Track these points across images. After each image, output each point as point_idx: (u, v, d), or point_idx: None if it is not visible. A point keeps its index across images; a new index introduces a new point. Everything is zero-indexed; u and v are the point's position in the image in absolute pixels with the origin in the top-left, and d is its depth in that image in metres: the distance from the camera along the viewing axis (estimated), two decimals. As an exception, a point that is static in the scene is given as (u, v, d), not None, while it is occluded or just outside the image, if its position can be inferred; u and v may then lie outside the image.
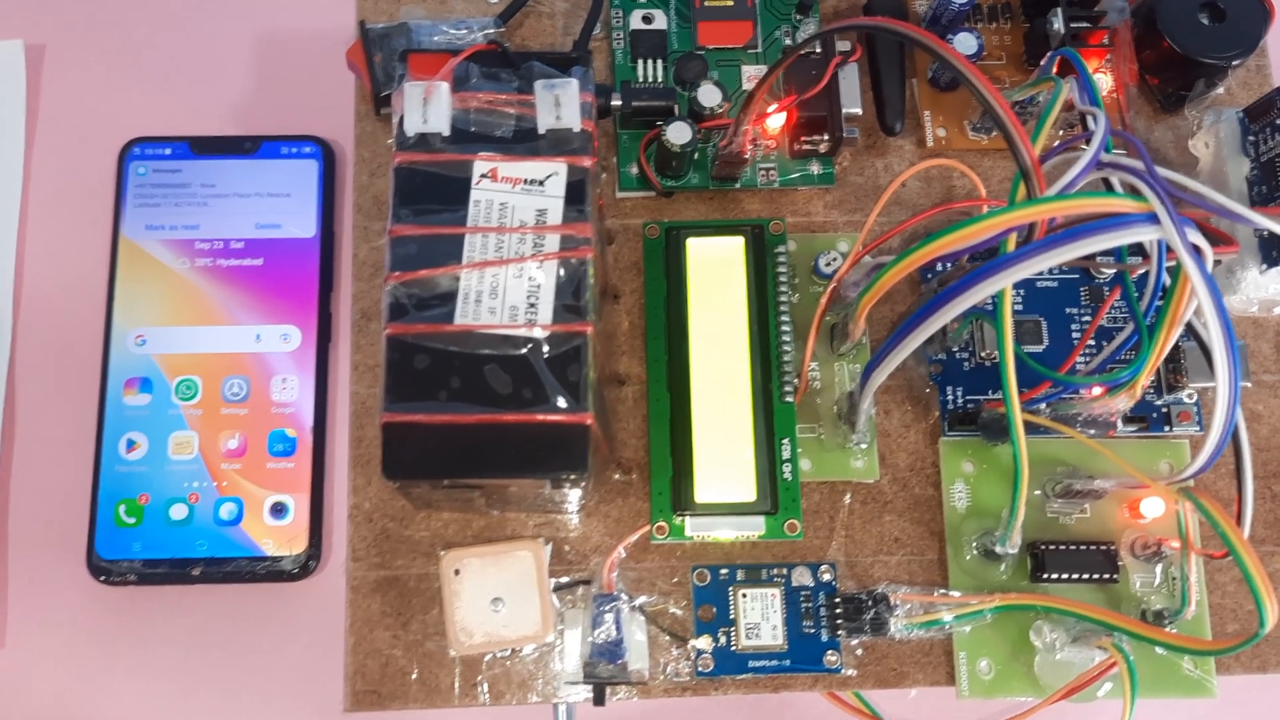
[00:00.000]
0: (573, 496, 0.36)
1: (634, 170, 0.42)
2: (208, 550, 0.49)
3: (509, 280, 0.34)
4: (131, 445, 0.50)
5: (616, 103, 0.40)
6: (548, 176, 0.35)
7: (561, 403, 0.33)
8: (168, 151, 0.54)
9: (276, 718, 0.49)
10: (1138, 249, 0.39)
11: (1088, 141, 0.36)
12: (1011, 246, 0.31)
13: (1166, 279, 0.34)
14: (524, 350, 0.33)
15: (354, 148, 0.42)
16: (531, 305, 0.34)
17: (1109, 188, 0.34)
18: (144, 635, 0.49)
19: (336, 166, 0.54)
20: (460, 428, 0.33)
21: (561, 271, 0.34)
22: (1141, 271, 0.36)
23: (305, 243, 0.53)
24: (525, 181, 0.35)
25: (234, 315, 0.52)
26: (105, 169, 0.53)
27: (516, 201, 0.34)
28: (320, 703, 0.49)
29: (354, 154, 0.42)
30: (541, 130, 0.35)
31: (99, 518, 0.50)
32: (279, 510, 0.50)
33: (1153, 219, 0.29)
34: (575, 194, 0.35)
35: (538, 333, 0.34)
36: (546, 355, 0.33)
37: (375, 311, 0.41)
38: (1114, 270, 0.41)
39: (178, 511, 0.50)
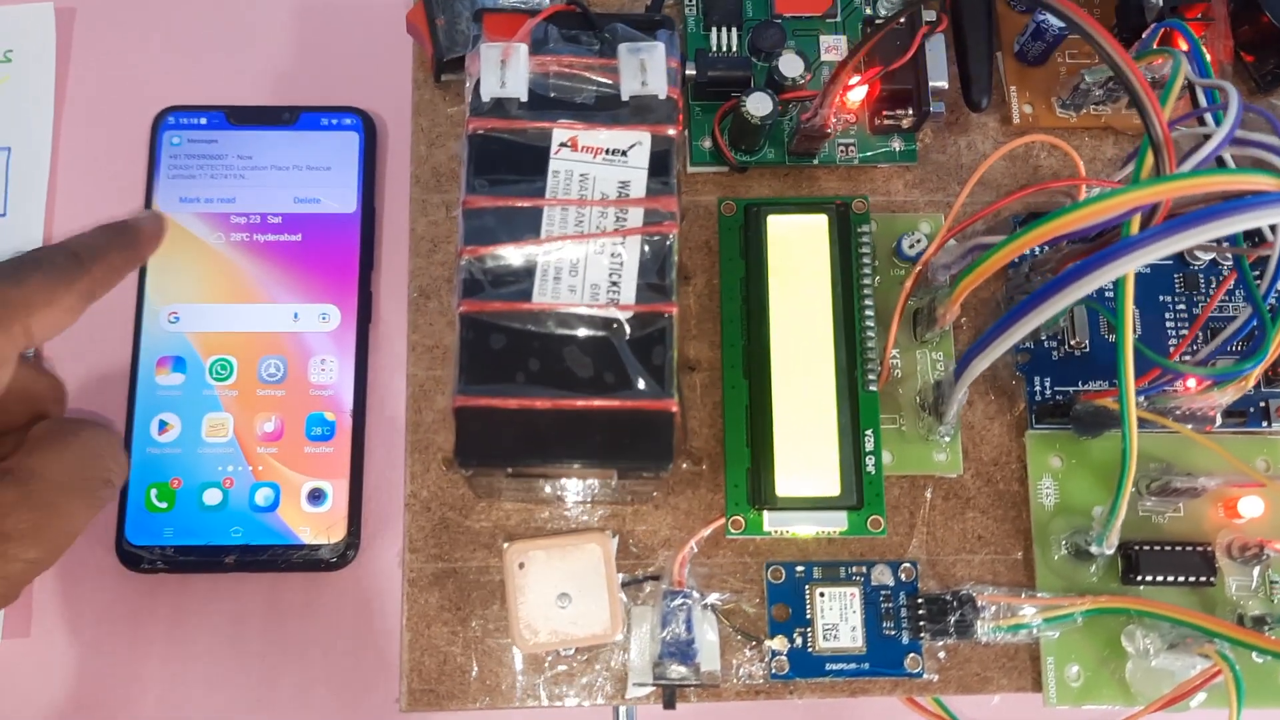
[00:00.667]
0: (648, 487, 0.35)
1: (706, 144, 0.40)
2: (242, 537, 0.47)
3: (590, 256, 0.32)
4: (164, 427, 0.48)
5: (691, 72, 0.38)
6: (631, 146, 0.33)
7: (646, 388, 0.31)
8: (203, 121, 0.52)
9: (313, 713, 0.47)
10: (1251, 233, 0.37)
11: (1201, 119, 0.34)
12: (1135, 228, 0.29)
13: (1289, 266, 0.32)
14: (606, 331, 0.31)
15: (412, 117, 0.40)
16: (614, 284, 0.32)
17: (1222, 165, 0.33)
18: (175, 625, 0.47)
19: (378, 139, 0.52)
20: (538, 413, 0.31)
21: (645, 248, 0.32)
22: (1258, 256, 0.34)
23: (345, 218, 0.51)
24: (607, 151, 0.32)
25: (271, 293, 0.50)
26: (138, 139, 0.51)
27: (598, 173, 0.32)
28: (360, 697, 0.47)
29: (412, 123, 0.39)
30: (625, 97, 0.33)
31: (129, 502, 0.47)
32: (317, 497, 0.48)
33: (1295, 198, 0.27)
34: (660, 165, 0.32)
35: (621, 313, 0.31)
36: (629, 337, 0.31)
37: (434, 289, 0.38)
38: (1211, 256, 0.39)
39: (211, 496, 0.48)
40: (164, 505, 0.47)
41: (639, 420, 0.31)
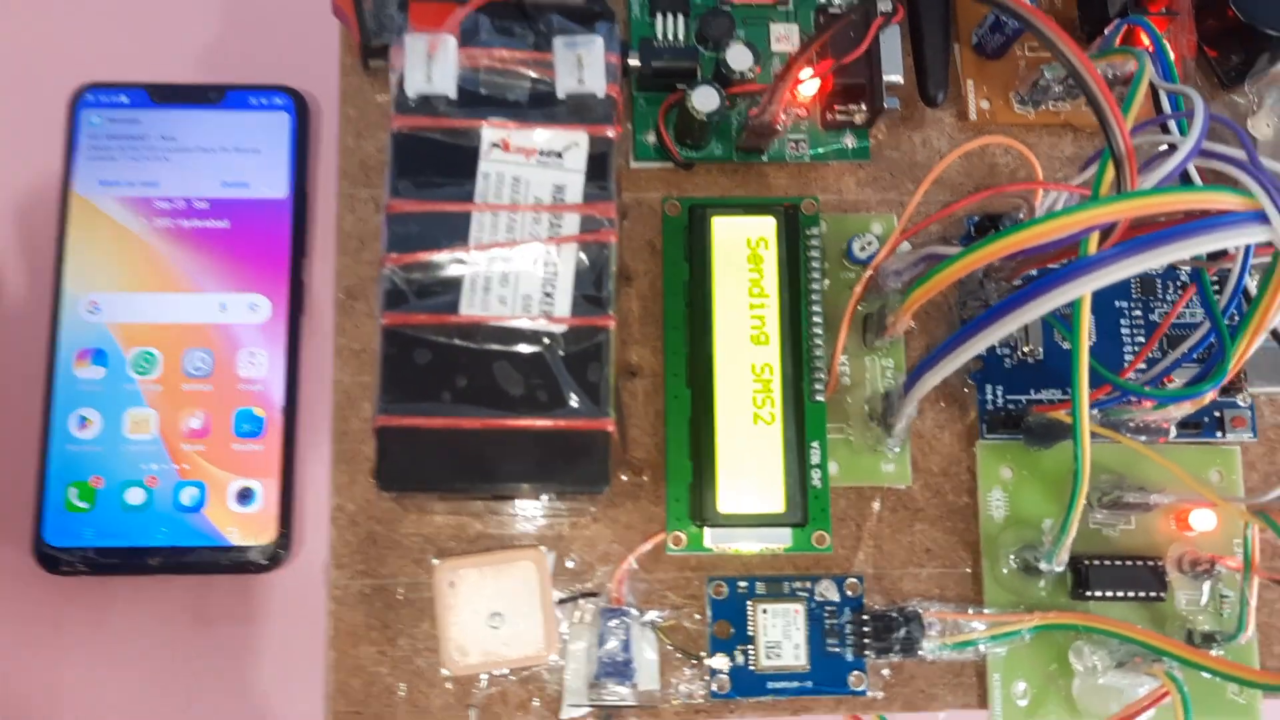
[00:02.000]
0: (584, 504, 0.33)
1: (651, 139, 0.38)
2: (167, 538, 0.45)
3: (522, 266, 0.30)
4: (84, 422, 0.46)
5: (635, 63, 0.36)
6: (567, 148, 0.31)
7: (580, 406, 0.29)
8: (124, 99, 0.49)
9: (241, 717, 0.45)
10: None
11: (1164, 127, 0.32)
12: (1093, 246, 0.28)
13: (1249, 281, 0.31)
14: (539, 346, 0.30)
15: (339, 105, 0.37)
16: (547, 295, 0.30)
17: (1186, 180, 0.31)
18: (97, 630, 0.45)
19: (311, 121, 0.50)
20: (466, 433, 0.29)
21: (582, 256, 0.30)
22: (1219, 270, 0.33)
23: (276, 204, 0.48)
24: (541, 153, 0.31)
25: (197, 282, 0.47)
26: (54, 117, 0.48)
27: (531, 176, 0.30)
28: (290, 703, 0.45)
29: (340, 112, 0.37)
30: (561, 95, 0.31)
31: (47, 501, 0.45)
32: (245, 496, 0.46)
33: (1261, 218, 0.26)
34: (597, 168, 0.31)
35: (555, 326, 0.30)
36: (564, 352, 0.30)
37: (361, 290, 0.36)
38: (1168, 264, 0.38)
39: (134, 496, 0.46)
40: (84, 505, 0.45)
41: (573, 440, 0.29)
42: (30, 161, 0.48)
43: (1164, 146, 0.31)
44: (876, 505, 0.37)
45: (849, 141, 0.39)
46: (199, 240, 0.48)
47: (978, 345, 0.29)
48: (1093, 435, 0.33)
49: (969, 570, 0.37)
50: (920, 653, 0.35)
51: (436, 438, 0.29)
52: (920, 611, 0.35)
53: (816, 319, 0.36)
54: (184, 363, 0.47)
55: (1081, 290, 0.27)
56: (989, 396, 0.38)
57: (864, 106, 0.38)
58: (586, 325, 0.30)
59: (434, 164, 0.30)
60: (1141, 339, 0.38)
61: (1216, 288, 0.32)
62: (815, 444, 0.35)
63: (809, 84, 0.37)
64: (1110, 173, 0.28)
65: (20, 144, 0.48)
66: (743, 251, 0.35)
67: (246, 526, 0.46)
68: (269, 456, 0.46)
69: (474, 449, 0.29)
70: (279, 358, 0.47)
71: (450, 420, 0.29)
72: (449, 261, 0.30)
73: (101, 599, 0.46)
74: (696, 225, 0.35)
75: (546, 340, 0.30)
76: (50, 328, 0.46)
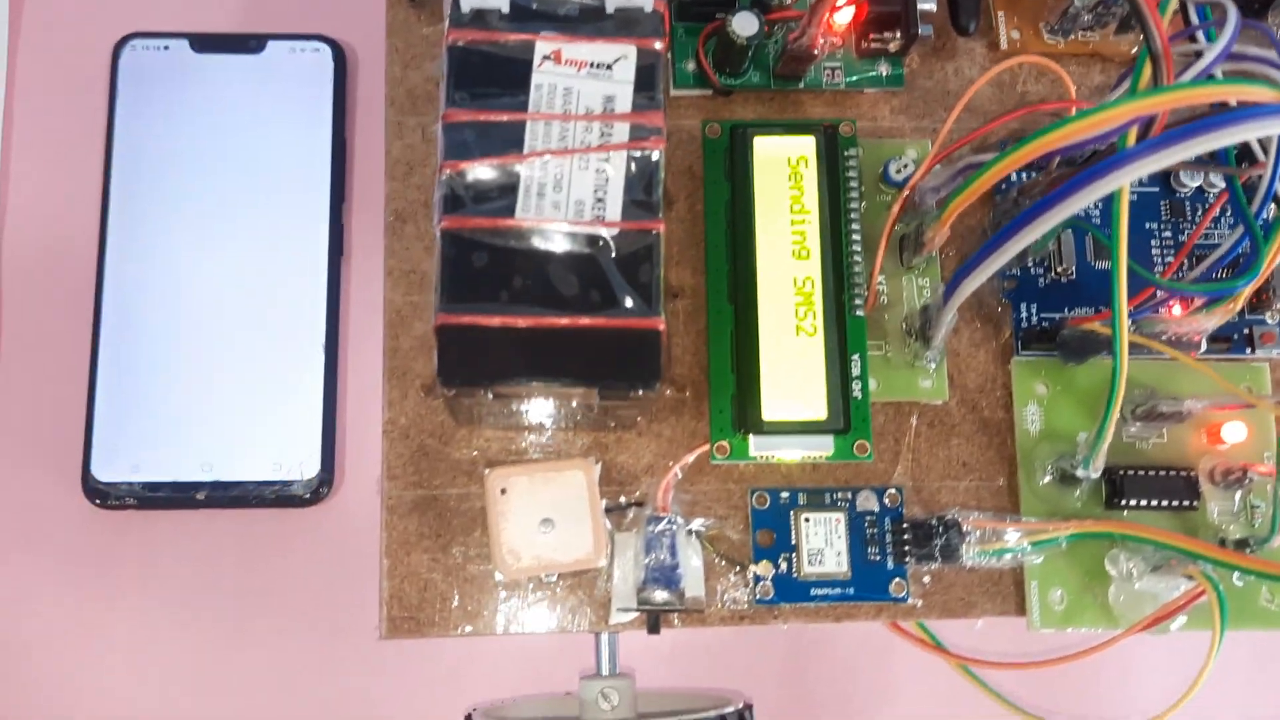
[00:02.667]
0: (632, 411, 0.34)
1: (690, 66, 0.39)
2: (214, 473, 0.47)
3: (574, 173, 0.31)
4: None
5: (676, -11, 0.37)
6: (616, 60, 0.32)
7: (633, 306, 0.30)
8: (166, 48, 0.50)
9: (289, 650, 0.46)
10: (1242, 155, 0.36)
11: (1193, 37, 0.33)
12: (1132, 140, 0.29)
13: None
14: (591, 249, 0.31)
15: (386, 36, 0.38)
16: (599, 200, 0.31)
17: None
18: (145, 563, 0.46)
19: (348, 70, 0.51)
20: (522, 332, 0.30)
21: (631, 164, 0.31)
22: (1250, 177, 0.34)
23: (316, 149, 0.50)
24: (591, 65, 0.32)
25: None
26: (98, 66, 0.49)
27: (582, 87, 0.31)
28: (336, 633, 0.46)
29: (386, 44, 0.38)
30: (609, 10, 0.32)
31: (95, 437, 0.46)
32: (289, 434, 0.47)
33: (1293, 109, 0.27)
34: (645, 80, 0.32)
35: (606, 230, 0.31)
36: (615, 255, 0.31)
37: (410, 213, 0.37)
38: (1198, 183, 0.39)
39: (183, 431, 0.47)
40: (133, 442, 0.46)
41: (626, 339, 0.30)
42: (76, 109, 0.49)
43: (1195, 55, 0.31)
44: (914, 420, 0.38)
45: (883, 69, 0.39)
46: (240, 188, 0.49)
47: (1019, 244, 0.29)
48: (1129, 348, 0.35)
49: (1004, 483, 0.38)
50: (959, 560, 0.36)
51: (494, 335, 0.30)
52: (959, 519, 0.36)
53: (855, 236, 0.37)
54: (230, 302, 0.48)
55: (1122, 180, 0.27)
56: (1023, 314, 0.38)
57: (898, 34, 0.38)
58: (637, 229, 0.31)
59: (488, 76, 0.31)
60: (1171, 260, 0.39)
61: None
62: (856, 356, 0.36)
63: (844, 11, 0.38)
64: (1147, 70, 0.29)
65: (66, 93, 0.49)
66: (783, 170, 0.36)
67: (290, 462, 0.47)
68: (311, 394, 0.47)
69: (530, 346, 0.30)
70: (319, 303, 0.48)
71: (507, 319, 0.30)
72: (504, 168, 0.31)
73: (149, 533, 0.47)
74: (738, 145, 0.36)
75: (599, 243, 0.31)
76: (97, 266, 0.47)
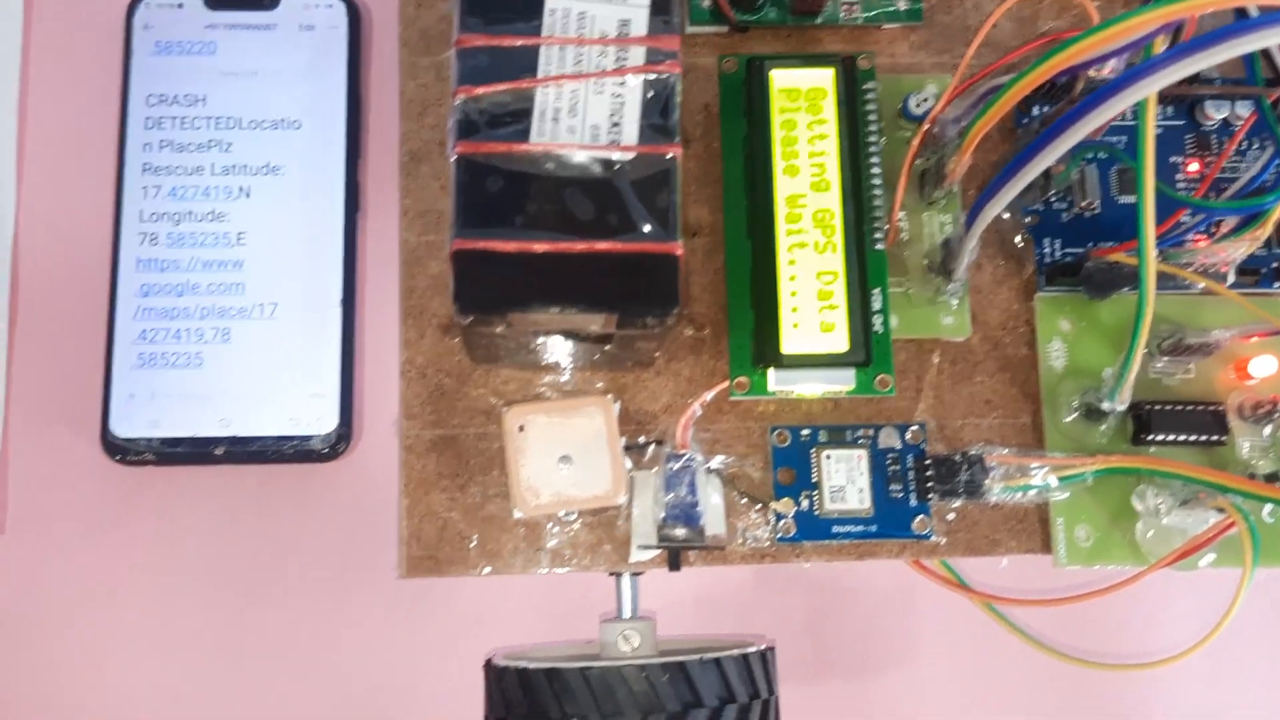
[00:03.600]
0: (650, 344, 0.34)
1: (705, 2, 0.38)
2: (231, 428, 0.46)
3: (589, 96, 0.31)
4: (149, 314, 0.47)
5: (691, -78, 0.37)
6: (631, -16, 0.31)
7: (650, 231, 0.30)
8: (179, 5, 0.50)
9: (307, 602, 0.46)
10: (1270, 79, 0.36)
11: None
12: (1159, 48, 0.28)
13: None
14: (608, 173, 0.30)
15: (399, -25, 0.38)
16: (615, 124, 0.30)
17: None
18: (164, 517, 0.46)
19: (362, 24, 0.50)
20: (539, 256, 0.30)
21: (648, 88, 0.31)
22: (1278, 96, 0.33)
23: (331, 106, 0.49)
24: (606, -11, 0.31)
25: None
26: (113, 25, 0.49)
27: (596, 10, 0.31)
28: (353, 586, 0.46)
29: (399, -18, 0.38)
30: (624, -68, 0.31)
31: (114, 392, 0.46)
32: (308, 388, 0.47)
33: (1326, 12, 0.26)
34: (661, 3, 0.31)
35: (622, 154, 0.30)
36: (632, 179, 0.30)
37: (425, 153, 0.37)
38: (1223, 116, 0.38)
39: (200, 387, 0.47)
40: (151, 396, 0.46)
41: (643, 263, 0.30)
42: (90, 66, 0.49)
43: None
44: (936, 357, 0.37)
45: (901, 4, 0.39)
46: (255, 144, 0.49)
47: (1045, 160, 0.29)
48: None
49: (1028, 420, 0.37)
50: (984, 496, 0.35)
51: (510, 261, 0.30)
52: (983, 455, 0.36)
53: (875, 169, 0.36)
54: (246, 256, 0.48)
55: (1151, 88, 0.27)
56: (1046, 250, 0.38)
57: (916, -34, 0.38)
58: (654, 153, 0.30)
59: (502, 0, 0.31)
60: (1196, 192, 0.38)
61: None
62: (876, 290, 0.36)
63: (862, -56, 0.37)
64: (1174, -23, 0.28)
65: (80, 51, 0.49)
66: (801, 102, 0.36)
67: (308, 417, 0.47)
68: (329, 349, 0.47)
69: (547, 271, 0.30)
70: (336, 259, 0.48)
71: (523, 244, 0.30)
72: (518, 93, 0.30)
73: (167, 488, 0.47)
74: (755, 77, 0.36)
75: (615, 167, 0.30)
76: (114, 228, 0.47)
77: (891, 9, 0.39)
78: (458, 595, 0.45)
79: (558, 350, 0.34)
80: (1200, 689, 0.43)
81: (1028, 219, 0.38)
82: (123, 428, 0.46)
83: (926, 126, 0.36)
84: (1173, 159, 0.39)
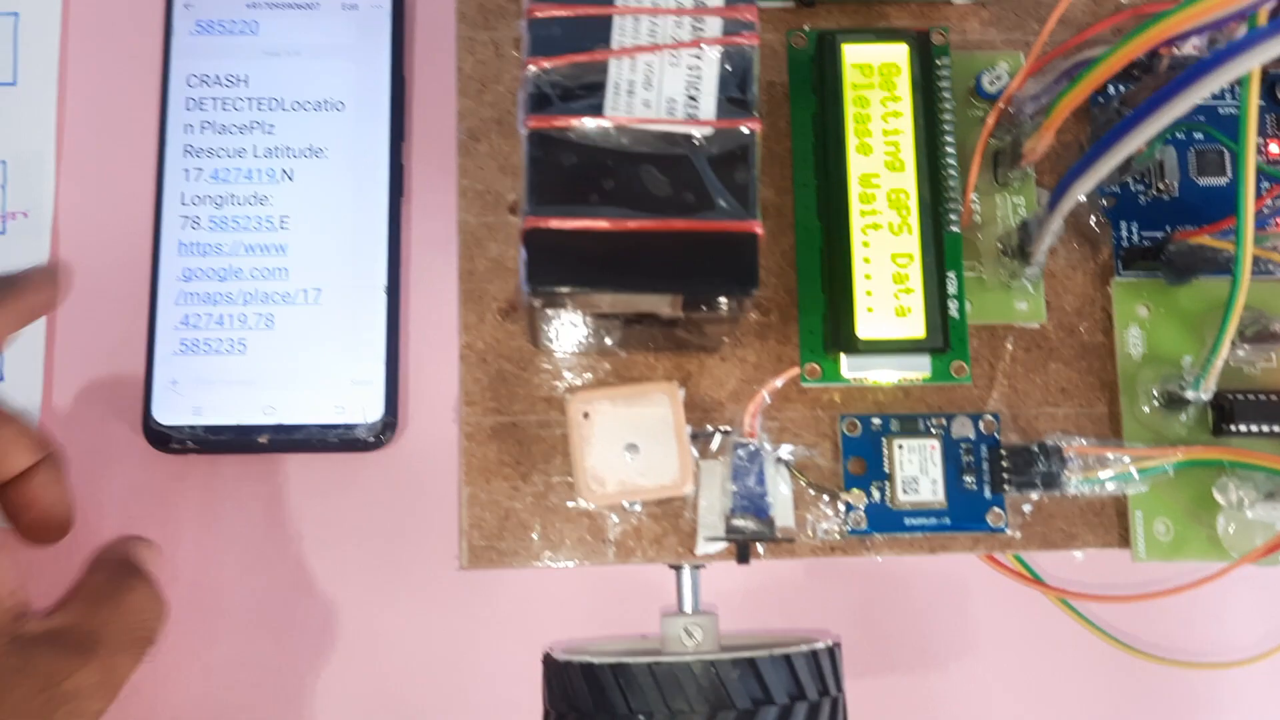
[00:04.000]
0: (721, 328, 0.33)
1: (772, -24, 0.37)
2: (275, 416, 0.45)
3: (665, 69, 0.29)
4: (190, 299, 0.46)
5: (758, -104, 0.36)
6: (706, -47, 0.30)
7: (728, 208, 0.29)
8: (222, -15, 0.49)
9: (354, 591, 0.45)
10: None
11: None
12: (1264, 18, 0.27)
13: None
14: (684, 149, 0.29)
15: (456, -52, 0.37)
16: (691, 98, 0.29)
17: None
18: (207, 506, 0.45)
19: (405, 9, 0.49)
20: (614, 235, 0.29)
21: (725, 61, 0.30)
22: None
23: (375, 88, 0.48)
24: (681, -42, 0.30)
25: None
26: (153, 6, 0.48)
27: (671, -20, 0.30)
28: (400, 574, 0.45)
29: (457, -44, 0.37)
30: (699, -100, 0.30)
31: (156, 380, 0.45)
32: (353, 376, 0.46)
33: None
34: (738, -28, 0.30)
35: (699, 129, 0.29)
36: (709, 155, 0.29)
37: (483, 131, 0.36)
38: (1310, 93, 0.37)
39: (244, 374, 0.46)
40: (193, 383, 0.45)
41: (721, 242, 0.29)
42: (129, 44, 0.48)
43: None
44: (1010, 344, 0.36)
45: (973, -22, 0.38)
46: (299, 129, 0.48)
47: (1146, 132, 0.27)
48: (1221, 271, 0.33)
49: (1105, 410, 0.36)
50: (1061, 488, 0.34)
51: (584, 239, 0.29)
52: (1061, 446, 0.34)
53: (950, 148, 0.35)
54: (289, 241, 0.47)
55: (1259, 59, 0.26)
56: (1124, 233, 0.37)
57: (989, -61, 0.37)
58: (732, 127, 0.29)
59: (573, -30, 0.30)
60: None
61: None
62: (952, 274, 0.35)
63: (933, -83, 0.36)
64: (1282, -56, 0.27)
65: (120, 26, 0.48)
66: (874, 78, 0.34)
67: (353, 404, 0.46)
68: (374, 335, 0.46)
69: (622, 250, 0.29)
70: (381, 245, 0.47)
71: (597, 222, 0.29)
72: (592, 65, 0.29)
73: (211, 477, 0.46)
74: (826, 53, 0.35)
75: (692, 142, 0.29)
76: (155, 213, 0.46)
77: (963, -16, 0.38)
78: (504, 585, 0.44)
79: (622, 335, 0.33)
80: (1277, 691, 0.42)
81: (1104, 201, 0.37)
82: (165, 415, 0.45)
83: (1001, 104, 0.35)
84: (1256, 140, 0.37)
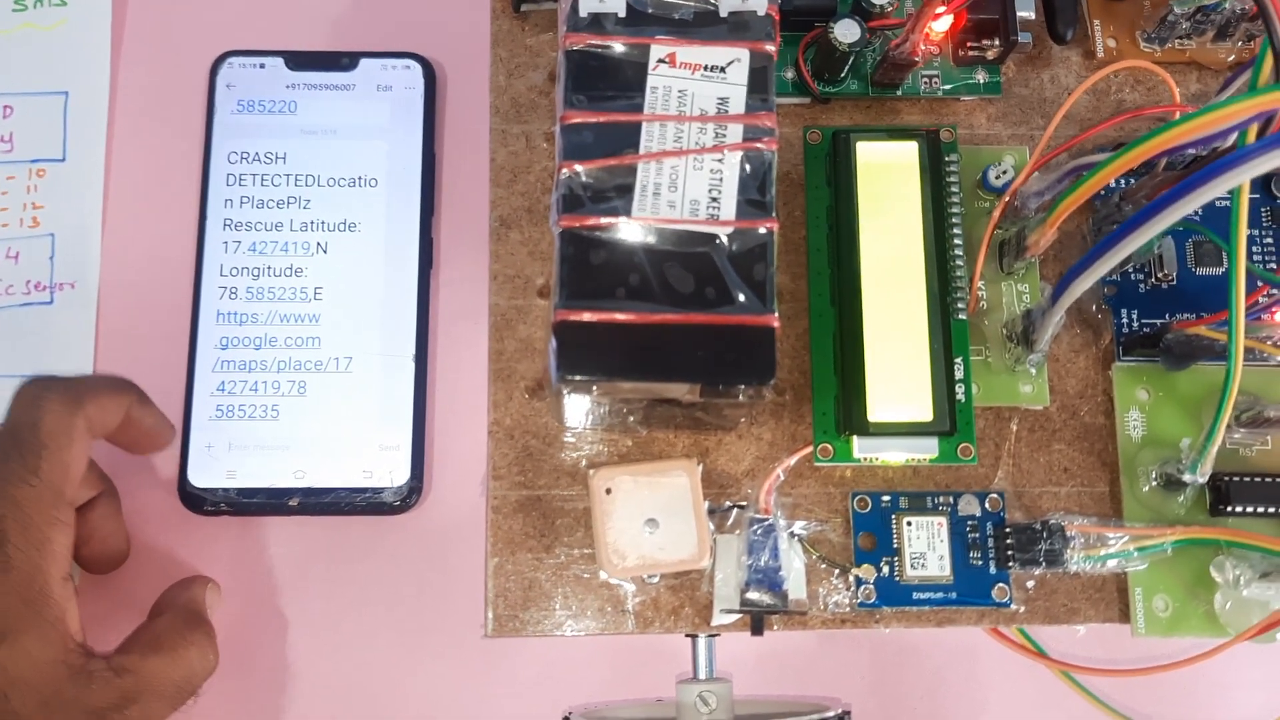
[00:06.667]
0: (738, 411, 0.34)
1: (789, 75, 0.39)
2: (306, 480, 0.47)
3: (689, 172, 0.31)
4: (225, 366, 0.48)
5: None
6: (729, 63, 0.32)
7: (747, 303, 0.31)
8: (261, 65, 0.51)
9: (380, 653, 0.46)
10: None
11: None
12: (1252, 137, 0.29)
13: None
14: (706, 247, 0.31)
15: (490, 46, 0.39)
16: (714, 199, 0.31)
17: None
18: (239, 566, 0.47)
19: (438, 86, 0.52)
20: (640, 327, 0.30)
21: (745, 164, 0.32)
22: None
23: (407, 164, 0.50)
24: (705, 68, 0.32)
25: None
26: (196, 83, 0.51)
27: (696, 89, 0.32)
28: (425, 636, 0.46)
29: (490, 53, 0.39)
30: (723, 13, 0.32)
31: (191, 444, 0.47)
32: (380, 442, 0.48)
33: None
34: (758, 82, 0.32)
35: (721, 229, 0.31)
36: (730, 252, 0.31)
37: (514, 219, 0.38)
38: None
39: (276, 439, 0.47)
40: (228, 447, 0.47)
41: (741, 335, 0.31)
42: (174, 124, 0.50)
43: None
44: (1015, 425, 0.38)
45: (980, 77, 0.40)
46: (332, 202, 0.50)
47: (1141, 237, 0.29)
48: (1219, 358, 0.34)
49: (1106, 489, 0.38)
50: (1064, 565, 0.36)
51: (611, 331, 0.30)
52: (1063, 524, 0.36)
53: (957, 240, 0.37)
54: (323, 312, 0.49)
55: (1248, 175, 0.27)
56: (1124, 320, 0.38)
57: (996, 42, 0.39)
58: (751, 227, 0.31)
59: (605, 78, 0.32)
60: (1273, 265, 0.39)
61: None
62: (959, 360, 0.36)
63: (942, 20, 0.38)
64: (1268, 65, 0.29)
65: (165, 108, 0.50)
66: (886, 174, 0.36)
67: (381, 469, 0.47)
68: (402, 402, 0.48)
69: (647, 342, 0.30)
70: (410, 314, 0.49)
71: (624, 315, 0.30)
72: (621, 169, 0.31)
73: (242, 538, 0.47)
74: (840, 149, 0.37)
75: (714, 241, 0.31)
76: (194, 281, 0.48)
77: (971, 81, 0.40)
78: (524, 649, 0.45)
79: (643, 415, 0.35)
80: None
81: (1105, 289, 0.38)
82: (200, 478, 0.47)
83: (1008, 198, 0.37)
84: (1250, 232, 0.39)
